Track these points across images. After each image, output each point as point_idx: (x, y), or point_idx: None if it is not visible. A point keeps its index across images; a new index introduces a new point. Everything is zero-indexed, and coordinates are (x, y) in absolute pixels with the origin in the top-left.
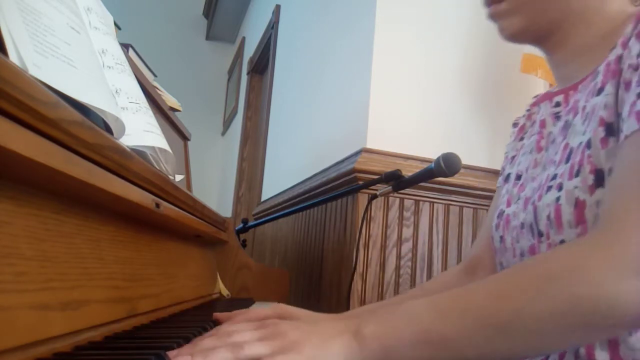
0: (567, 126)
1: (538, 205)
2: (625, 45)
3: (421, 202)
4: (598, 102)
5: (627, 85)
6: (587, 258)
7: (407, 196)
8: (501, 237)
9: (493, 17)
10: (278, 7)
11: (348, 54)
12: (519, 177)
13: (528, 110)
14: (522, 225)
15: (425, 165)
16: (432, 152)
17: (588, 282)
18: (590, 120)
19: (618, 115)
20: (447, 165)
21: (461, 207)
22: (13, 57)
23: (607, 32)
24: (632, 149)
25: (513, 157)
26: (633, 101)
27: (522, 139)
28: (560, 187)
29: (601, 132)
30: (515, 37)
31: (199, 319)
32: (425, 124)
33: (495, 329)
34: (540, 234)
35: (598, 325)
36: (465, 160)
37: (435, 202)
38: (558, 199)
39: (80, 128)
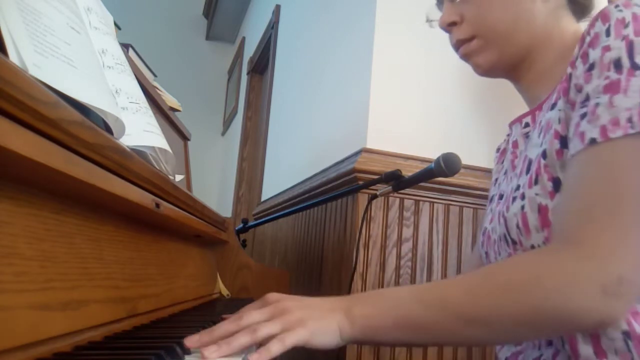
0: (528, 141)
1: (507, 216)
2: (573, 64)
3: (421, 202)
4: (552, 116)
5: (573, 105)
6: (549, 268)
7: (407, 196)
8: (486, 253)
9: (465, 57)
10: (278, 7)
11: (348, 54)
12: (501, 197)
13: (508, 135)
14: (500, 238)
15: (425, 165)
16: (432, 152)
17: (549, 293)
18: (545, 132)
19: (568, 127)
20: (447, 165)
21: (461, 207)
22: (13, 57)
23: (564, 52)
24: (578, 167)
25: (496, 180)
26: (577, 122)
27: (502, 161)
28: (523, 196)
29: (556, 144)
30: (489, 70)
31: (199, 319)
32: (425, 124)
33: (465, 321)
34: (514, 242)
35: (555, 329)
36: (465, 160)
37: (435, 202)
38: (523, 207)
39: (80, 128)
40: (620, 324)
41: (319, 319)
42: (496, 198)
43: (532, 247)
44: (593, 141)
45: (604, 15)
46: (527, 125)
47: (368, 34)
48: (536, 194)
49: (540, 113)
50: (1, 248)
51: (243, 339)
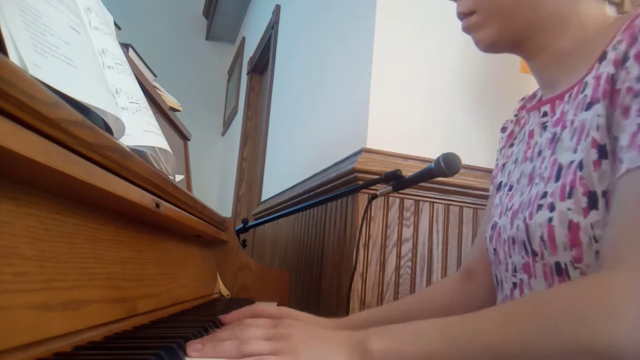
0: (554, 140)
1: (529, 224)
2: (618, 64)
3: (421, 202)
4: (588, 119)
5: (626, 111)
6: (595, 301)
7: (407, 196)
8: (494, 250)
9: (466, 30)
10: (278, 7)
11: (348, 54)
12: (510, 188)
13: (516, 115)
14: (513, 241)
15: (425, 165)
16: (432, 152)
17: (594, 328)
18: (579, 136)
19: (610, 137)
20: (447, 165)
21: (461, 207)
22: (13, 57)
23: (588, 37)
24: (635, 184)
25: (504, 165)
26: (634, 132)
27: (511, 145)
28: (552, 207)
29: (594, 155)
30: (491, 47)
31: (199, 319)
32: (425, 124)
33: (497, 359)
34: (535, 254)
35: None
36: (465, 160)
37: (435, 202)
38: (551, 219)
39: (80, 128)
40: None
41: (319, 351)
42: (506, 189)
43: (557, 264)
44: None
45: None
46: (545, 114)
47: (368, 34)
48: (568, 209)
49: (563, 105)
50: (1, 248)
51: (228, 348)
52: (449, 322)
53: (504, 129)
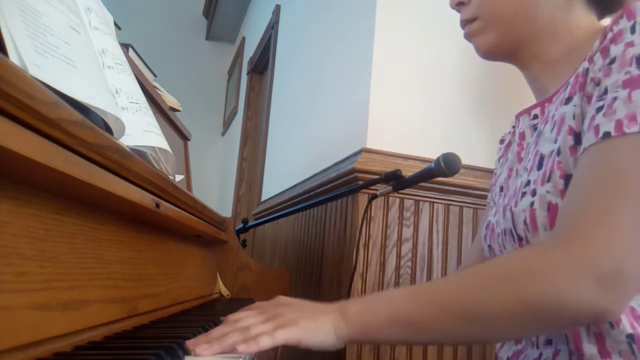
0: (538, 134)
1: (515, 211)
2: (591, 59)
3: (421, 202)
4: (567, 111)
5: (589, 99)
6: (542, 261)
7: (407, 196)
8: (489, 247)
9: (468, 36)
10: (278, 7)
11: (348, 54)
12: (502, 189)
13: (513, 126)
14: (504, 232)
15: (425, 165)
16: (432, 152)
17: (537, 284)
18: (559, 128)
19: (583, 122)
20: (447, 165)
21: (461, 207)
22: (13, 57)
23: (575, 45)
24: (589, 160)
25: (500, 174)
26: (592, 115)
27: (508, 154)
28: (533, 193)
29: (570, 141)
30: (490, 53)
31: (199, 319)
32: (426, 124)
33: (457, 318)
34: (520, 239)
35: (546, 322)
36: (465, 160)
37: (435, 202)
38: (532, 203)
39: (80, 128)
40: (624, 327)
41: (312, 319)
42: (497, 190)
43: None
44: (607, 135)
45: (629, 12)
46: (535, 117)
47: (368, 34)
48: (547, 192)
49: (550, 105)
50: (1, 248)
51: (235, 337)
52: (418, 286)
53: (502, 141)
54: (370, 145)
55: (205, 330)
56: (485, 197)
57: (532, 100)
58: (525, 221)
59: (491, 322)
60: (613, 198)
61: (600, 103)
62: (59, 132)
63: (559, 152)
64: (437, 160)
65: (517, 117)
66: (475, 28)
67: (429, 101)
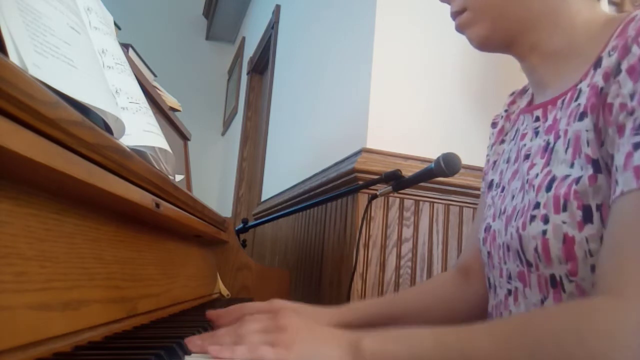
0: (549, 150)
1: (523, 235)
2: (608, 77)
3: (421, 202)
4: (581, 131)
5: (620, 129)
6: (588, 327)
7: (407, 196)
8: (488, 253)
9: (459, 28)
10: (278, 7)
11: (348, 54)
12: (503, 189)
13: (506, 110)
14: (508, 248)
15: (425, 165)
16: (432, 152)
17: (592, 350)
18: (574, 149)
19: (603, 151)
20: (447, 165)
21: (461, 207)
22: (13, 57)
23: (579, 37)
24: (630, 207)
25: (495, 162)
26: (628, 152)
27: (502, 141)
28: (546, 220)
29: (589, 169)
30: (483, 44)
31: (199, 319)
32: (425, 124)
33: None
34: (529, 264)
35: None
36: (465, 160)
37: (435, 202)
38: (545, 232)
39: (80, 128)
40: None
41: (312, 346)
42: (498, 190)
43: (552, 276)
44: None
45: None
46: (537, 119)
47: (368, 34)
48: (563, 222)
49: (555, 110)
50: (1, 248)
51: (226, 342)
52: (443, 331)
53: (494, 124)
54: (370, 145)
55: (205, 330)
56: None
57: (509, 98)
58: (536, 249)
59: None
60: None
61: (638, 138)
62: (59, 132)
63: (577, 181)
64: (437, 160)
65: (520, 113)
66: (465, 19)
67: (429, 101)
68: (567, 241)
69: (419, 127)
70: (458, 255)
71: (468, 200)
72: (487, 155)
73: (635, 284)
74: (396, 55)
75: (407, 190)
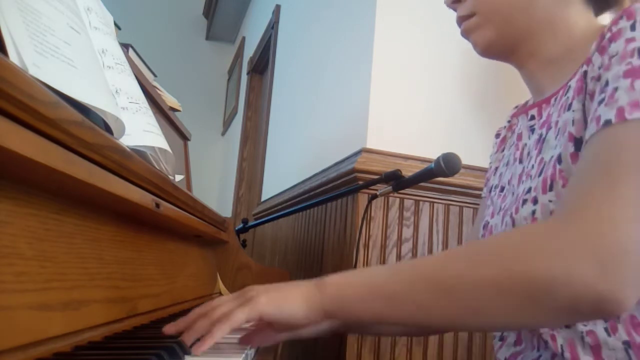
0: (541, 140)
1: (516, 218)
2: (589, 61)
3: (421, 202)
4: (567, 117)
5: (592, 95)
6: (539, 237)
7: (407, 196)
8: None
9: (465, 33)
10: (278, 7)
11: (348, 53)
12: (502, 189)
13: (509, 121)
14: None
15: (425, 165)
16: (432, 152)
17: (530, 258)
18: (561, 135)
19: (585, 128)
20: (447, 165)
21: (461, 207)
22: (13, 57)
23: (574, 45)
24: (591, 148)
25: (496, 168)
26: (595, 109)
27: (503, 149)
28: (535, 201)
29: (570, 147)
30: (487, 49)
31: None
32: (426, 124)
33: (438, 289)
34: None
35: (542, 304)
36: (465, 160)
37: (435, 202)
38: (534, 212)
39: (80, 128)
40: (620, 335)
41: (277, 292)
42: (497, 190)
43: None
44: (608, 122)
45: (629, 13)
46: (532, 118)
47: (368, 34)
48: (550, 201)
49: (549, 108)
50: (1, 248)
51: (200, 323)
52: (399, 263)
53: (497, 135)
54: (370, 145)
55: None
56: None
57: (513, 110)
58: None
59: (475, 296)
60: (616, 178)
61: (602, 96)
62: (59, 132)
63: (559, 160)
64: (437, 160)
65: (515, 115)
66: (473, 24)
67: (429, 101)
68: None
69: (419, 127)
70: None
71: (468, 200)
72: (490, 164)
73: (585, 205)
74: (396, 55)
75: (407, 190)
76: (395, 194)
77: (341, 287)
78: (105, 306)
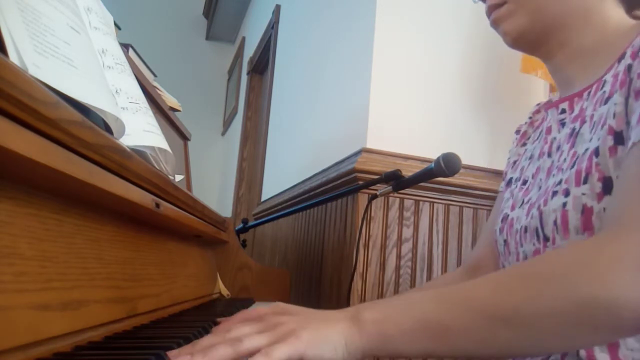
0: (574, 134)
1: (544, 210)
2: (635, 55)
3: (421, 202)
4: (605, 110)
5: (637, 94)
6: (591, 257)
7: (407, 196)
8: (505, 241)
9: (495, 23)
10: (278, 7)
11: (348, 54)
12: (524, 182)
13: (530, 117)
14: (526, 229)
15: (425, 165)
16: (432, 152)
17: (590, 280)
18: (597, 128)
19: (627, 124)
20: (447, 165)
21: (461, 207)
22: (13, 57)
23: (608, 38)
24: (635, 157)
25: (515, 162)
26: None
27: (524, 144)
28: (566, 193)
29: (610, 141)
30: (518, 39)
31: (199, 319)
32: (425, 124)
33: (497, 321)
34: (547, 239)
35: (601, 325)
36: (465, 160)
37: (435, 202)
38: (565, 204)
39: (80, 128)
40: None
41: (317, 329)
42: (519, 183)
43: None
44: None
45: None
46: (563, 111)
47: (368, 34)
48: (583, 194)
49: (582, 102)
50: (1, 248)
51: (223, 351)
52: (441, 291)
53: (518, 131)
54: (370, 145)
55: (205, 330)
56: (485, 197)
57: (531, 100)
58: (555, 221)
59: (537, 325)
60: None
61: None
62: (59, 132)
63: (596, 153)
64: (437, 160)
65: (546, 108)
66: (505, 12)
67: (429, 101)
68: (586, 212)
69: (418, 127)
70: (458, 255)
71: (468, 200)
72: (508, 158)
73: (636, 221)
74: (396, 56)
75: (407, 190)
76: (395, 194)
77: (383, 324)
78: (105, 306)
